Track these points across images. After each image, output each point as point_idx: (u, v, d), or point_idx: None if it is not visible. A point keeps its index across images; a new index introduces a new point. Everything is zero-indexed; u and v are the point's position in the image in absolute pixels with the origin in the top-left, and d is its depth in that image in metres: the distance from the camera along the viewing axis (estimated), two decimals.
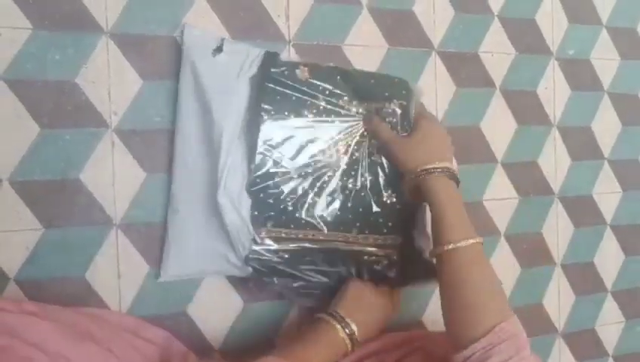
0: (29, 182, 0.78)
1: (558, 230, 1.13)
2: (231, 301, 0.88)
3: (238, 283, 0.87)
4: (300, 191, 0.85)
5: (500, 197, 1.07)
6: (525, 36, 1.09)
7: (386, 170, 0.88)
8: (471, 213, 1.01)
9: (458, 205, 0.79)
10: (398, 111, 0.88)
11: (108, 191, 0.82)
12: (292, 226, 0.85)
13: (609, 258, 1.18)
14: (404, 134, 0.87)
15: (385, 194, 0.88)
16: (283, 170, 0.84)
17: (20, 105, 0.77)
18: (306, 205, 0.85)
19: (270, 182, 0.83)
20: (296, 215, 0.85)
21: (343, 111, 0.87)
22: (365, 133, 0.88)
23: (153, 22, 0.83)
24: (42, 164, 0.79)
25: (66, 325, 0.67)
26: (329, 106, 0.86)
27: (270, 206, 0.83)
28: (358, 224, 0.88)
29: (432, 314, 1.02)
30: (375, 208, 0.88)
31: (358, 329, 0.78)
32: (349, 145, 0.87)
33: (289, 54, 0.91)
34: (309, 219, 0.86)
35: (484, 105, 1.06)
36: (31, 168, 0.78)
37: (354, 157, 0.87)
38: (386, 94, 0.89)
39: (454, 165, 0.93)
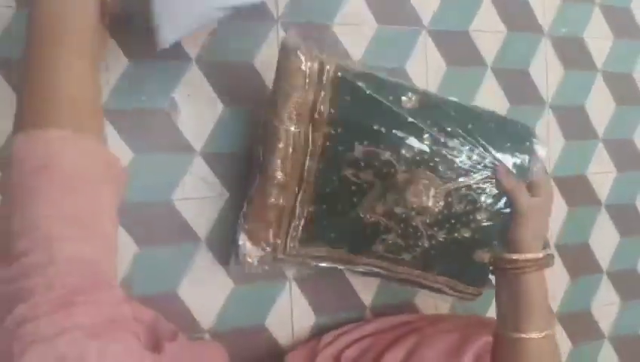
0: None
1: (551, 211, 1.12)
2: (221, 282, 0.88)
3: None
4: (382, 227, 0.77)
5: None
6: (516, 14, 1.08)
7: (486, 230, 0.77)
8: None
9: (545, 297, 0.74)
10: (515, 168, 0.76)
11: None
12: (364, 255, 0.81)
13: (604, 239, 1.18)
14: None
15: (477, 252, 0.79)
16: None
17: (6, 85, 0.77)
18: (387, 242, 0.79)
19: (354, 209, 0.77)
20: (373, 248, 0.79)
21: (449, 155, 0.74)
22: (473, 186, 0.75)
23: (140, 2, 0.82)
24: None
25: None
26: (434, 147, 0.73)
27: (348, 233, 0.79)
28: (439, 267, 0.82)
29: (424, 296, 1.01)
30: (464, 262, 0.80)
31: None
32: (449, 195, 0.75)
33: (277, 33, 0.90)
34: (387, 254, 0.80)
35: (476, 84, 1.05)
36: None
37: (452, 211, 0.76)
38: (508, 145, 0.76)
39: None
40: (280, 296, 0.91)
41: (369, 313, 0.97)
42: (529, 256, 0.73)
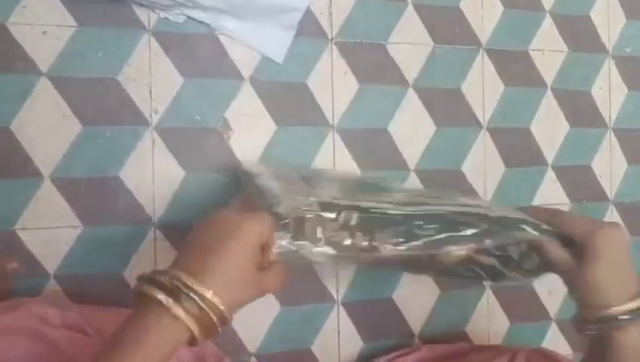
0: (70, 179, 0.78)
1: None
2: (268, 304, 0.86)
3: None
4: None
5: (550, 202, 1.02)
6: (579, 33, 1.04)
7: None
8: None
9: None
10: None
11: (147, 190, 0.81)
12: None
13: None
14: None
15: None
16: None
17: (63, 102, 0.78)
18: None
19: None
20: None
21: None
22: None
23: (194, 20, 0.83)
24: (83, 161, 0.79)
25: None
26: None
27: None
28: None
29: (476, 325, 0.98)
30: None
31: (220, 298, 0.49)
32: None
33: (331, 53, 0.89)
34: None
35: (535, 105, 1.01)
36: (72, 165, 0.78)
37: None
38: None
39: None
40: (327, 320, 0.89)
41: (417, 340, 0.94)
42: (599, 314, 0.58)
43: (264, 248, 0.54)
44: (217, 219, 0.54)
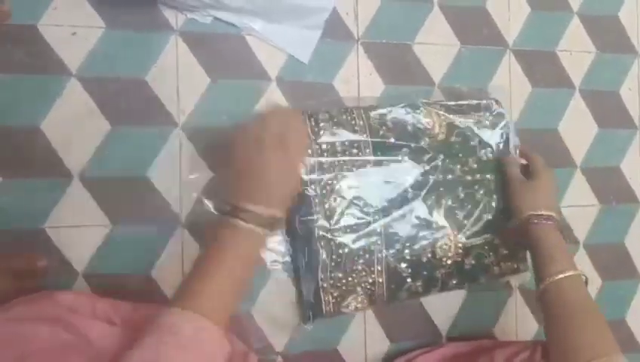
0: (99, 178, 0.79)
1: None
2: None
3: None
4: None
5: (579, 204, 1.01)
6: (607, 34, 1.03)
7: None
8: None
9: (560, 245, 0.79)
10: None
11: (175, 189, 0.81)
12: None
13: None
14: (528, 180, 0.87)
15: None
16: None
17: (92, 102, 0.79)
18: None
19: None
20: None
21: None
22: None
23: (221, 21, 0.83)
24: (112, 161, 0.79)
25: (135, 333, 0.65)
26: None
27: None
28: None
29: (504, 326, 0.96)
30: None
31: (262, 205, 0.66)
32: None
33: (357, 53, 0.89)
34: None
35: (563, 106, 1.00)
36: (101, 165, 0.79)
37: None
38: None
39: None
40: (354, 320, 0.89)
41: (445, 341, 0.93)
42: (525, 215, 0.81)
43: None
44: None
